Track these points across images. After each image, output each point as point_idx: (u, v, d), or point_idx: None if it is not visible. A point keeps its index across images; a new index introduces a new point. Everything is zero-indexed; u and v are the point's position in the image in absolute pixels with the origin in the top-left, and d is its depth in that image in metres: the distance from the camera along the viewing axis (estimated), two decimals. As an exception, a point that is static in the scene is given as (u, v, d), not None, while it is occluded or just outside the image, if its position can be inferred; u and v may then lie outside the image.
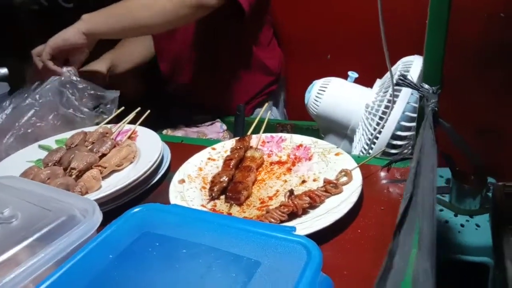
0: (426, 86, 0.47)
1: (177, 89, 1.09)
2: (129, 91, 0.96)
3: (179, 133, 0.96)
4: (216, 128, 0.91)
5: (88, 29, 0.78)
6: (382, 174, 0.58)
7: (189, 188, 0.55)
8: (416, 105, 0.59)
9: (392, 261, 0.24)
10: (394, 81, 0.52)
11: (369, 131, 0.63)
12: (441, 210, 1.10)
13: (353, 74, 0.71)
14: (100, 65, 0.95)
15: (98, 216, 0.38)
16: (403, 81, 0.48)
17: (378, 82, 0.67)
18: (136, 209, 0.38)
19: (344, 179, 0.53)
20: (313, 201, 0.50)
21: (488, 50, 1.10)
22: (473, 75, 1.14)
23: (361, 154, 0.65)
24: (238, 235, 0.34)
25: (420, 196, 0.29)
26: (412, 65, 0.60)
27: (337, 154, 0.59)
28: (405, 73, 0.59)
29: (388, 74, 0.60)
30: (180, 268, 0.32)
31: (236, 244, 0.33)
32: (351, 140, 0.69)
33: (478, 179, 0.95)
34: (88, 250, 0.34)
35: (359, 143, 0.66)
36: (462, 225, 0.94)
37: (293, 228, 0.34)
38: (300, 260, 0.31)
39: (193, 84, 1.05)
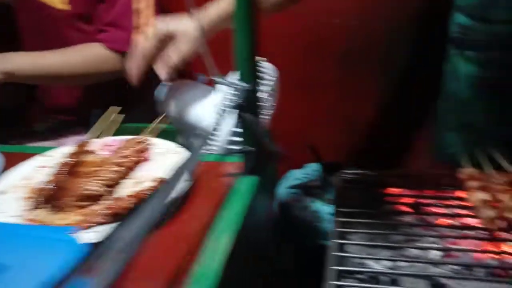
0: (239, 83, 0.50)
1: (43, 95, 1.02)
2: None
3: (38, 142, 0.89)
4: (79, 135, 0.87)
5: None
6: (219, 170, 0.60)
7: (8, 199, 0.51)
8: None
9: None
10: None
11: (213, 129, 0.65)
12: (313, 202, 1.18)
13: (202, 76, 0.73)
14: None
15: None
16: (220, 80, 0.51)
17: (222, 83, 0.70)
18: None
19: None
20: (139, 201, 0.50)
21: (347, 54, 1.23)
22: (336, 75, 1.27)
23: (208, 152, 0.67)
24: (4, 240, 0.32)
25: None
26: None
27: (176, 153, 0.60)
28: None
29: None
30: None
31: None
32: (204, 140, 0.70)
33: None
34: None
35: (207, 142, 0.68)
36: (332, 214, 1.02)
37: (67, 229, 0.33)
38: (60, 257, 0.30)
39: (58, 89, 1.00)
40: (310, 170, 1.30)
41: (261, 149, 0.53)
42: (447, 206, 0.67)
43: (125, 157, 0.58)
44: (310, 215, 1.14)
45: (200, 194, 0.55)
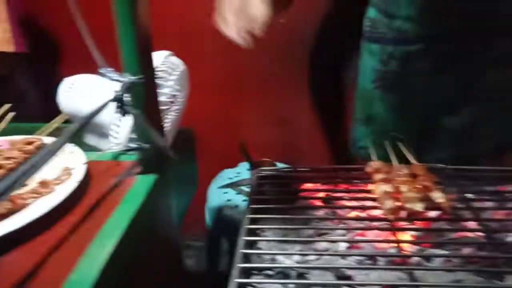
0: (128, 77, 0.48)
1: None
2: None
3: None
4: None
5: None
6: (116, 169, 0.57)
7: None
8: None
9: None
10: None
11: (114, 126, 0.62)
12: (244, 201, 1.17)
13: (105, 71, 0.69)
14: None
15: None
16: (104, 74, 0.48)
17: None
18: None
19: (65, 177, 0.51)
20: (15, 205, 0.46)
21: (286, 53, 1.24)
22: (275, 74, 1.27)
23: (109, 150, 0.63)
24: None
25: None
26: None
27: (72, 154, 0.56)
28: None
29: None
30: None
31: None
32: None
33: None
34: None
35: (109, 140, 0.64)
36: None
37: None
38: None
39: None
40: (242, 169, 1.29)
41: (156, 146, 0.50)
42: (356, 199, 0.69)
43: (9, 158, 0.53)
44: (241, 214, 1.12)
45: (94, 195, 0.52)
